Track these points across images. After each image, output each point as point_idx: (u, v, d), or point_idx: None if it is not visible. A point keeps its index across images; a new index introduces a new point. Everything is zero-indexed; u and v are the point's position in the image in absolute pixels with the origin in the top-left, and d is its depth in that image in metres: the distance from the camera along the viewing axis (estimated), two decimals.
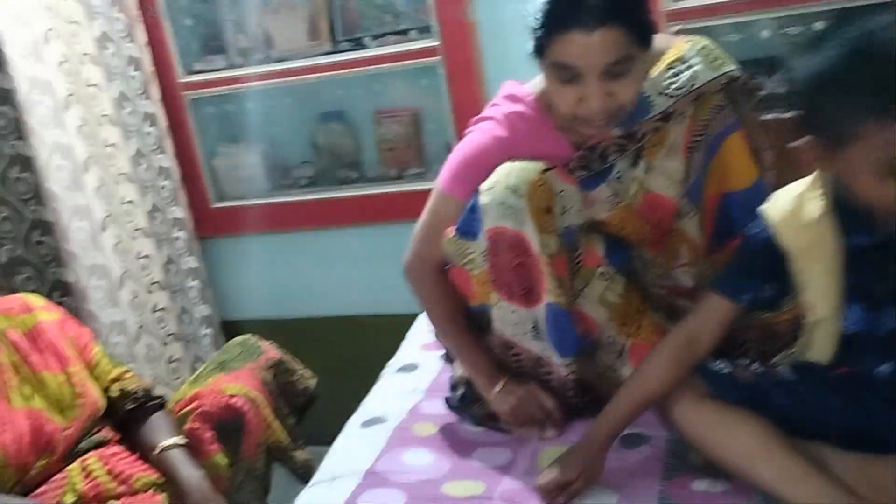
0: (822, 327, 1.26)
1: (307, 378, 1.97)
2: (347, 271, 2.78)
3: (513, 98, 1.54)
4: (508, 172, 1.43)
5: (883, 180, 1.08)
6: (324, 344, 2.69)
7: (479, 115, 1.57)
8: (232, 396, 1.76)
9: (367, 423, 1.70)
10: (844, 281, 1.22)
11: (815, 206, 1.23)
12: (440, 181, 1.56)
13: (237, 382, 1.80)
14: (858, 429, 1.22)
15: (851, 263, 1.21)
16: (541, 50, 1.37)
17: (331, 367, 2.64)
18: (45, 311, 1.77)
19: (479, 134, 1.53)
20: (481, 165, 1.49)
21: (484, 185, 1.45)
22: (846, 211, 1.19)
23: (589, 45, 1.30)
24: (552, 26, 1.33)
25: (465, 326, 1.58)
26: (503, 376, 1.54)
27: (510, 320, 1.51)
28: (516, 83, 1.57)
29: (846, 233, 1.20)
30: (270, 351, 1.94)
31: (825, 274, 1.23)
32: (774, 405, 1.28)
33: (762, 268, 1.29)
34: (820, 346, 1.28)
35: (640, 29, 1.34)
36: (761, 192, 1.45)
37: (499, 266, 1.47)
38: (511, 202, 1.41)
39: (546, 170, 1.44)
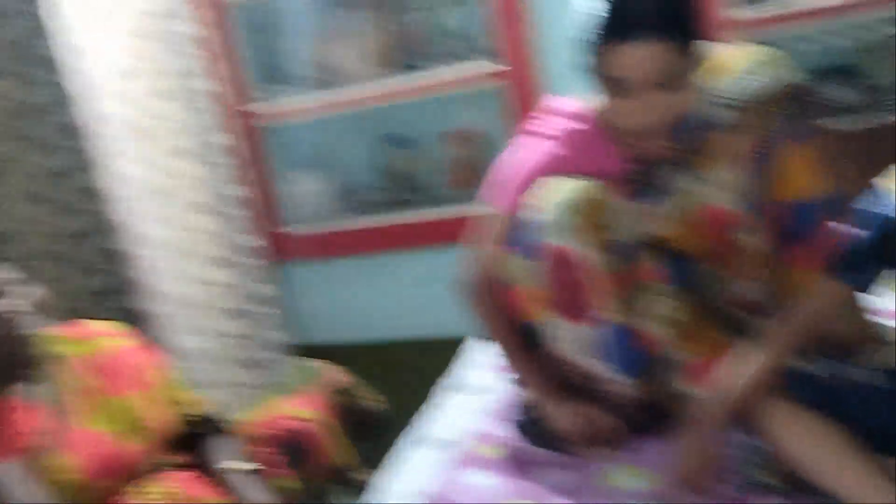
0: None
1: (374, 402, 1.97)
2: (420, 293, 2.77)
3: (565, 113, 1.52)
4: (563, 190, 1.41)
5: None
6: (397, 367, 2.69)
7: (528, 129, 1.55)
8: (298, 420, 1.77)
9: (434, 445, 1.68)
10: None
11: None
12: (490, 198, 1.56)
13: (304, 406, 1.82)
14: None
15: None
16: (593, 64, 1.36)
17: (404, 389, 2.65)
18: (116, 338, 1.82)
19: (532, 150, 1.52)
20: (532, 181, 1.47)
21: (539, 203, 1.44)
22: None
23: (639, 58, 1.29)
24: (603, 40, 1.32)
25: (526, 346, 1.56)
26: (567, 395, 1.51)
27: (567, 338, 1.48)
28: (567, 98, 1.55)
29: None
30: (337, 375, 1.95)
31: None
32: (851, 411, 1.24)
33: (885, 249, 1.26)
34: None
35: (689, 40, 1.32)
36: (829, 203, 1.41)
37: (555, 284, 1.44)
38: (566, 220, 1.39)
39: (600, 185, 1.41)
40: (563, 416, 1.51)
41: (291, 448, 1.77)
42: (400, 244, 2.77)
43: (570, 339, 1.48)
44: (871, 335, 1.38)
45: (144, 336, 2.07)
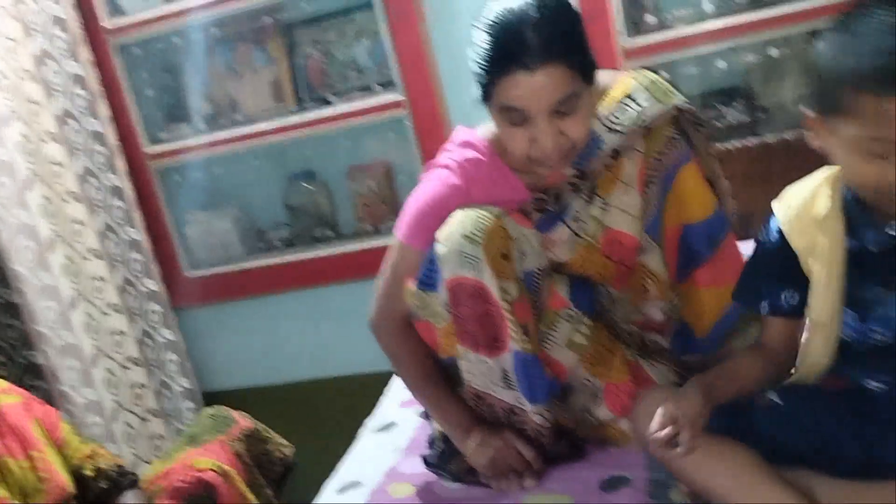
0: (821, 333, 1.21)
1: (283, 447, 1.91)
2: (331, 331, 2.73)
3: (465, 144, 1.50)
4: (463, 220, 1.39)
5: (867, 160, 1.05)
6: (309, 408, 2.63)
7: (433, 162, 1.54)
8: (203, 471, 1.70)
9: (344, 489, 1.62)
10: (846, 284, 1.18)
11: (825, 203, 1.20)
12: (398, 232, 1.52)
13: (208, 456, 1.74)
14: (853, 453, 1.16)
15: (851, 267, 1.17)
16: (487, 95, 1.34)
17: (316, 431, 2.59)
18: (4, 395, 1.71)
19: (435, 182, 1.49)
20: (438, 214, 1.44)
21: (440, 234, 1.41)
22: (854, 210, 1.16)
23: (533, 86, 1.28)
24: (494, 70, 1.31)
25: (438, 379, 1.52)
26: (478, 428, 1.47)
27: (479, 371, 1.45)
28: (468, 129, 1.54)
29: (851, 233, 1.16)
30: (243, 421, 1.89)
31: (827, 275, 1.19)
32: (761, 432, 1.23)
33: (776, 270, 1.26)
34: (818, 353, 1.23)
35: (582, 65, 1.32)
36: (720, 222, 1.43)
37: (461, 317, 1.41)
38: (468, 251, 1.36)
39: (502, 215, 1.40)
40: (477, 449, 1.47)
41: (196, 500, 1.69)
42: (309, 281, 2.72)
43: (481, 372, 1.45)
44: None
45: (39, 389, 1.97)
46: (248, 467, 1.82)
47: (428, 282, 1.44)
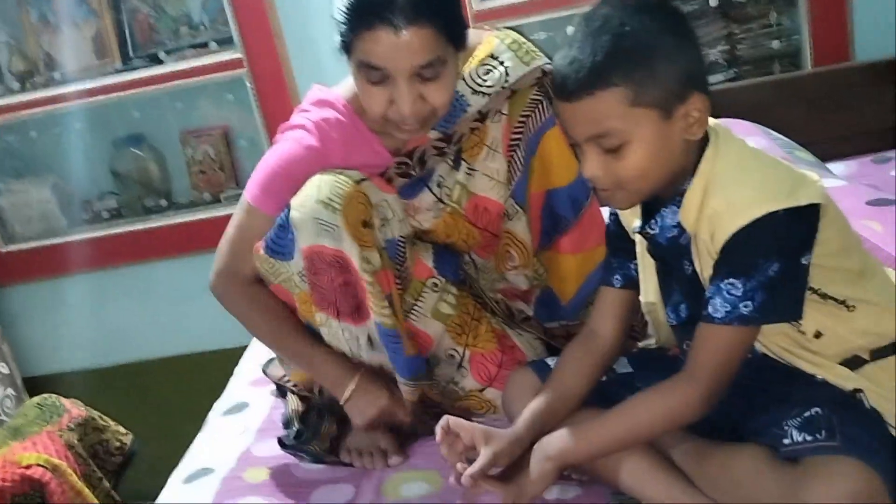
0: (656, 311, 1.23)
1: (121, 435, 1.78)
2: (164, 308, 2.57)
3: (322, 103, 1.41)
4: (319, 185, 1.30)
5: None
6: (144, 392, 2.48)
7: (288, 123, 1.43)
8: (29, 466, 1.55)
9: (192, 477, 1.51)
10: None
11: None
12: (247, 193, 1.41)
13: (35, 450, 1.59)
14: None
15: (653, 252, 1.19)
16: (347, 47, 1.26)
17: (158, 414, 2.44)
18: None
19: (289, 143, 1.39)
20: (292, 177, 1.35)
21: (294, 201, 1.32)
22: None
23: (397, 45, 1.20)
24: (357, 23, 1.22)
25: (301, 331, 1.41)
26: (356, 374, 1.38)
27: (342, 338, 1.38)
28: (324, 87, 1.44)
29: (643, 219, 1.18)
30: (75, 409, 1.74)
31: (642, 258, 1.21)
32: (620, 392, 1.23)
33: (620, 247, 1.26)
34: (663, 331, 1.26)
35: (452, 29, 1.25)
36: (583, 186, 1.41)
37: (320, 286, 1.34)
38: (325, 218, 1.28)
39: (361, 180, 1.32)
40: (355, 404, 1.39)
41: (23, 499, 1.53)
42: (141, 255, 2.55)
43: (344, 339, 1.38)
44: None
45: None
46: (83, 459, 1.68)
47: (279, 250, 1.35)
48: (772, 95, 2.19)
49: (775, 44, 2.31)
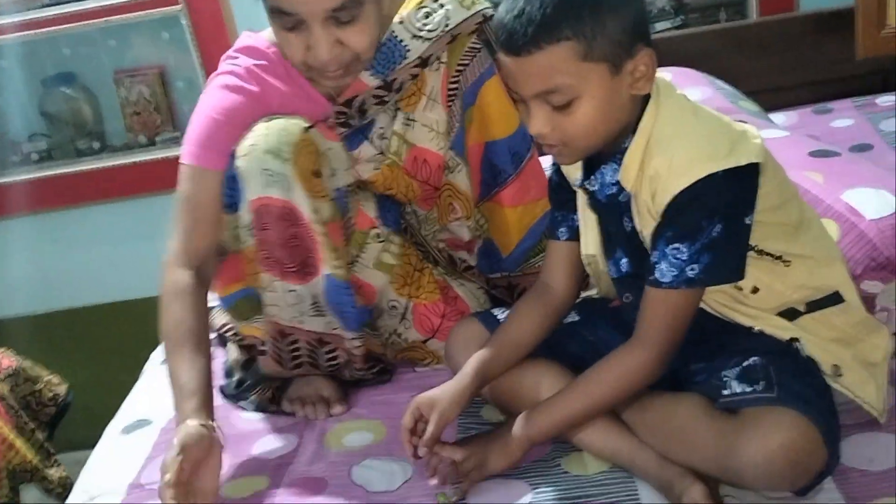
0: (597, 263, 1.22)
1: (54, 385, 1.73)
2: (98, 254, 2.49)
3: (251, 50, 1.34)
4: (267, 133, 1.24)
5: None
6: (78, 340, 2.41)
7: (218, 71, 1.36)
8: None
9: (130, 428, 1.48)
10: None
11: None
12: (185, 154, 1.32)
13: None
14: None
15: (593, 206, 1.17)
16: None
17: (94, 362, 2.38)
18: None
19: (222, 90, 1.32)
20: (231, 125, 1.29)
21: (240, 150, 1.26)
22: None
23: None
24: None
25: (184, 356, 1.23)
26: (184, 422, 1.16)
27: (287, 301, 1.33)
28: (253, 33, 1.37)
29: (583, 174, 1.16)
30: (5, 359, 1.68)
31: (583, 211, 1.20)
32: (570, 352, 1.25)
33: (563, 199, 1.24)
34: (603, 282, 1.25)
35: None
36: (523, 137, 1.39)
37: (267, 241, 1.28)
38: (274, 168, 1.23)
39: (309, 127, 1.27)
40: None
41: None
42: (74, 199, 2.46)
43: (289, 302, 1.33)
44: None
45: None
46: (14, 410, 1.63)
47: (227, 202, 1.30)
48: (717, 44, 2.19)
49: None
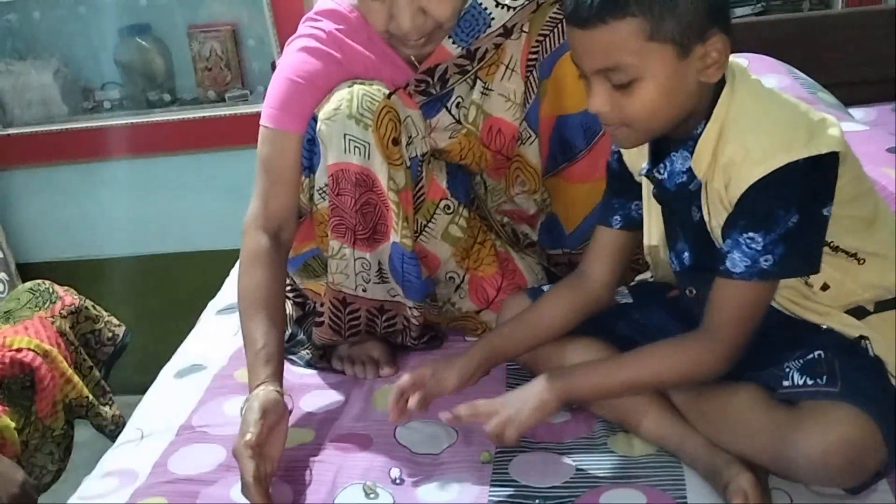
0: (659, 254, 1.19)
1: (114, 326, 1.77)
2: (163, 204, 2.54)
3: (333, 14, 1.33)
4: (350, 98, 1.24)
5: None
6: (138, 286, 2.47)
7: (298, 34, 1.35)
8: (19, 350, 1.54)
9: (184, 372, 1.51)
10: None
11: None
12: (265, 116, 1.33)
13: (26, 334, 1.58)
14: None
15: (659, 196, 1.14)
16: None
17: (148, 310, 2.44)
18: None
19: (303, 54, 1.32)
20: (314, 88, 1.29)
21: (322, 113, 1.26)
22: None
23: None
24: None
25: (262, 319, 1.24)
26: (256, 389, 1.18)
27: (355, 269, 1.33)
28: None
29: (651, 161, 1.12)
30: (68, 297, 1.72)
31: (646, 201, 1.17)
32: (618, 333, 1.23)
33: (621, 188, 1.21)
34: (663, 272, 1.23)
35: None
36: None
37: (341, 206, 1.28)
38: (356, 134, 1.23)
39: (391, 93, 1.26)
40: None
41: (12, 382, 1.53)
42: (141, 149, 2.49)
43: (355, 270, 1.33)
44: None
45: None
46: (74, 347, 1.67)
47: (305, 164, 1.30)
48: (799, 33, 2.12)
49: None
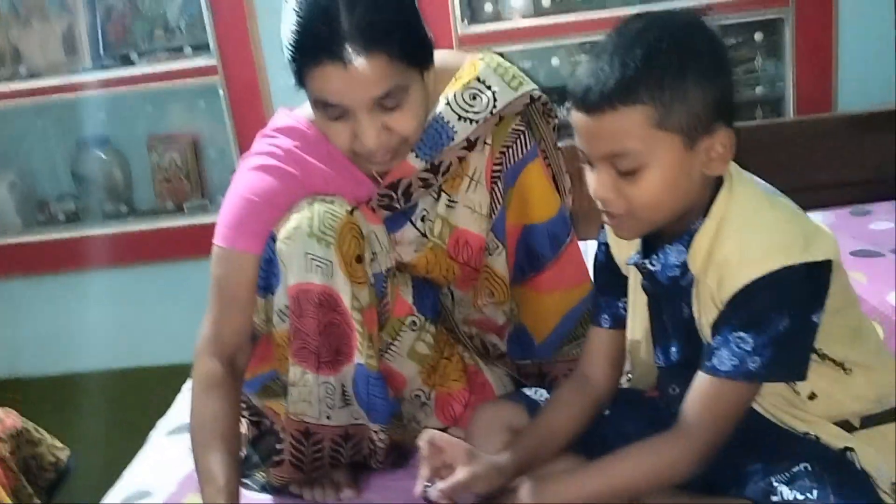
0: (640, 350, 1.16)
1: (56, 449, 1.67)
2: (117, 318, 2.47)
3: (291, 131, 1.29)
4: (311, 216, 1.20)
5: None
6: (87, 404, 2.36)
7: (254, 151, 1.31)
8: None
9: (129, 499, 1.41)
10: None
11: None
12: (219, 236, 1.27)
13: None
14: None
15: (648, 289, 1.13)
16: (301, 82, 1.16)
17: (98, 431, 2.33)
18: None
19: (259, 172, 1.27)
20: (271, 207, 1.24)
21: (281, 233, 1.21)
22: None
23: (350, 80, 1.11)
24: (304, 60, 1.12)
25: (215, 449, 1.18)
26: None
27: (317, 395, 1.26)
28: (290, 111, 1.33)
29: (643, 252, 1.11)
30: (8, 419, 1.63)
31: (632, 295, 1.15)
32: (595, 436, 1.18)
33: (608, 283, 1.19)
34: (641, 366, 1.19)
35: (410, 52, 1.15)
36: (563, 222, 1.35)
37: (304, 330, 1.23)
38: (317, 252, 1.19)
39: (353, 209, 1.24)
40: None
41: None
42: (96, 261, 2.45)
43: (319, 396, 1.26)
44: None
45: None
46: (13, 473, 1.57)
47: (262, 284, 1.25)
48: (753, 141, 2.17)
49: (759, 90, 2.30)
